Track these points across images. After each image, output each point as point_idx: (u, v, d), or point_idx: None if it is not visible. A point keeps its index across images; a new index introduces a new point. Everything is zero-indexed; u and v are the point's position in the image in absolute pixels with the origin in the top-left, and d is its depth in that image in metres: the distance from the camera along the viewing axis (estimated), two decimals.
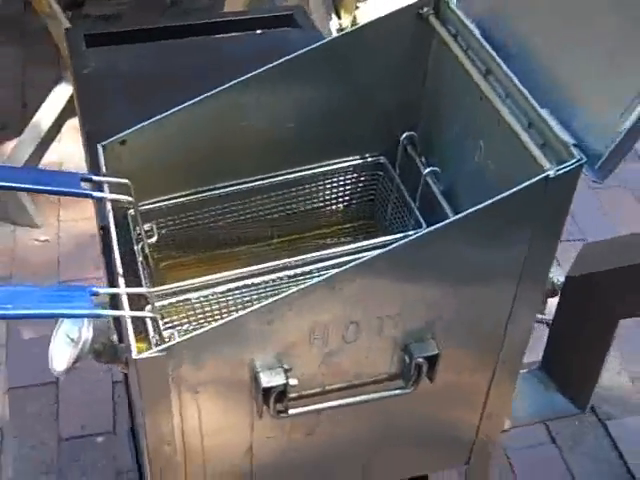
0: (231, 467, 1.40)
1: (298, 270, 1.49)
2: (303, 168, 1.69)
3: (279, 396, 1.28)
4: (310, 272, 1.49)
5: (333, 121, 1.65)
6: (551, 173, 1.19)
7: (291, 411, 1.31)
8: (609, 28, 1.21)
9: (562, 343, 1.64)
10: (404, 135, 1.65)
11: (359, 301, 1.25)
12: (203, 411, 1.29)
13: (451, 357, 1.37)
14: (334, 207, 1.75)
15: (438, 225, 1.22)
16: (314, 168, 1.69)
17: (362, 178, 1.72)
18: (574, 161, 1.18)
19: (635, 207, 3.29)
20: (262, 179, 1.68)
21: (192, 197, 1.65)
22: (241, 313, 1.21)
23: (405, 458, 1.51)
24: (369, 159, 1.71)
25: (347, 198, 1.75)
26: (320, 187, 1.72)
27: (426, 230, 1.22)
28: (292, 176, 1.69)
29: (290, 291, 1.20)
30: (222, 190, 1.66)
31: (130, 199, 1.47)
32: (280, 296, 1.20)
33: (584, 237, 3.17)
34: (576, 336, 1.61)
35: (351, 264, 1.20)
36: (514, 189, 1.20)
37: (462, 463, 1.57)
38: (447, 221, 1.22)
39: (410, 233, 1.32)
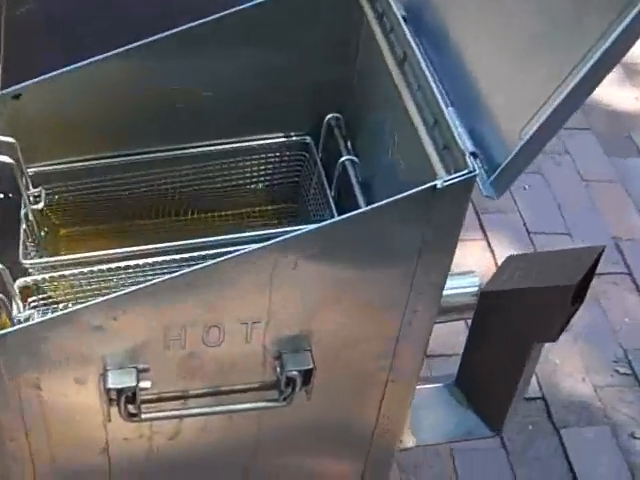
0: (86, 467, 1.28)
1: (186, 255, 1.36)
2: (221, 141, 1.56)
3: (130, 398, 1.15)
4: (204, 258, 1.36)
5: (257, 94, 1.51)
6: (438, 184, 1.04)
7: (145, 415, 1.19)
8: (524, 30, 1.06)
9: (475, 360, 1.50)
10: (329, 116, 1.50)
11: (218, 303, 1.12)
12: (48, 408, 1.17)
13: (332, 373, 1.24)
14: (254, 186, 1.61)
15: (315, 226, 1.08)
16: (234, 142, 1.56)
17: (286, 158, 1.59)
18: (464, 173, 1.04)
19: (626, 203, 3.12)
20: (174, 149, 1.54)
21: (95, 162, 1.53)
22: (81, 306, 1.08)
23: (290, 471, 1.39)
24: (294, 138, 1.57)
25: (269, 178, 1.61)
26: (240, 164, 1.58)
27: (300, 231, 1.08)
28: (209, 149, 1.56)
29: (138, 287, 1.07)
30: (129, 157, 1.54)
31: (9, 160, 1.34)
32: (125, 290, 1.07)
33: (569, 232, 3.01)
34: (489, 355, 1.47)
35: (207, 263, 1.06)
36: (400, 196, 1.05)
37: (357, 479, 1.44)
38: (325, 223, 1.08)
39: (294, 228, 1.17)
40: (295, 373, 1.19)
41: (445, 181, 1.05)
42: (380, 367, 1.26)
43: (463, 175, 1.05)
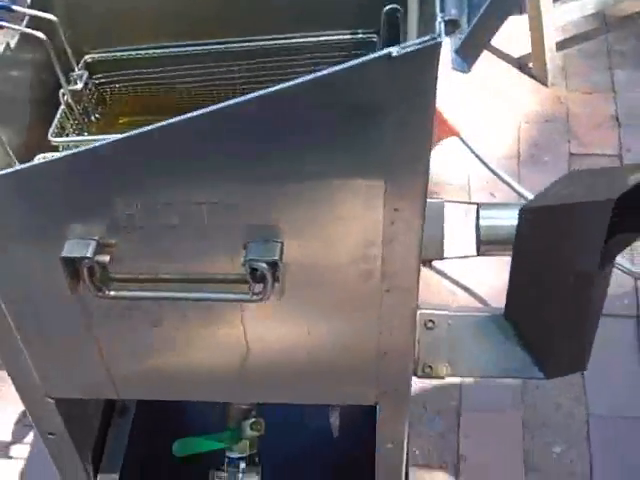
0: (75, 346, 1.26)
1: None
2: (279, 36, 1.46)
3: (91, 271, 1.11)
4: None
5: None
6: (394, 51, 0.90)
7: (112, 292, 1.14)
8: None
9: (521, 290, 1.31)
10: (387, 7, 1.36)
11: (162, 178, 1.04)
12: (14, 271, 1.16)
13: (314, 275, 1.13)
14: None
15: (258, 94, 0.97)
16: (292, 38, 1.46)
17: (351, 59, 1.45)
18: (425, 39, 0.89)
19: None
20: (230, 42, 1.47)
21: (158, 51, 1.50)
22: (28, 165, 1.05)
23: (290, 380, 1.30)
24: (360, 35, 1.45)
25: None
26: (299, 62, 1.48)
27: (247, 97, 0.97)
28: (265, 43, 1.47)
29: (73, 151, 1.03)
30: (187, 49, 1.49)
31: (41, 36, 1.34)
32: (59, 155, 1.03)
33: None
34: (533, 284, 1.28)
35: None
36: (352, 63, 0.93)
37: (369, 403, 1.33)
38: (261, 93, 0.96)
39: None
40: (263, 265, 1.09)
41: (403, 47, 0.90)
42: (367, 273, 1.13)
43: (424, 42, 0.89)
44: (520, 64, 3.21)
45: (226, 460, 1.60)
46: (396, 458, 1.42)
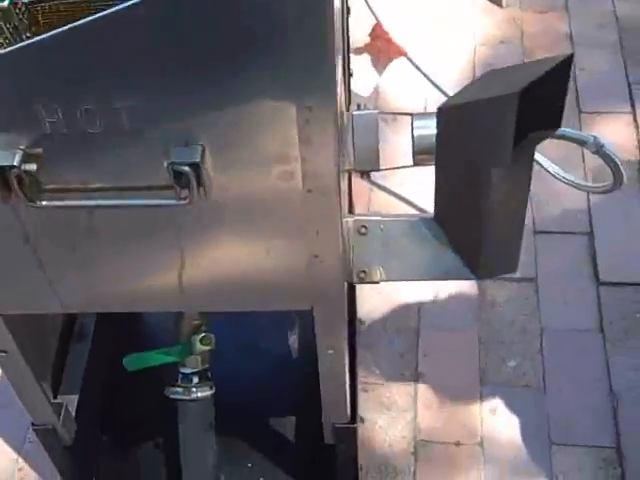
0: (14, 259, 1.29)
1: None
2: None
3: (20, 181, 1.14)
4: None
5: None
6: None
7: (43, 202, 1.18)
8: None
9: (445, 192, 1.35)
10: None
11: (78, 84, 1.07)
12: None
13: (234, 173, 1.17)
14: None
15: None
16: None
17: None
18: None
19: None
20: None
21: None
22: None
23: (226, 288, 1.34)
24: None
25: None
26: None
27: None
28: None
29: None
30: None
31: None
32: None
33: None
34: (454, 185, 1.32)
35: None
36: None
37: (305, 307, 1.37)
38: None
39: None
40: (185, 168, 1.12)
41: None
42: (288, 174, 1.16)
43: None
44: None
45: (180, 376, 1.65)
46: (338, 364, 1.46)
